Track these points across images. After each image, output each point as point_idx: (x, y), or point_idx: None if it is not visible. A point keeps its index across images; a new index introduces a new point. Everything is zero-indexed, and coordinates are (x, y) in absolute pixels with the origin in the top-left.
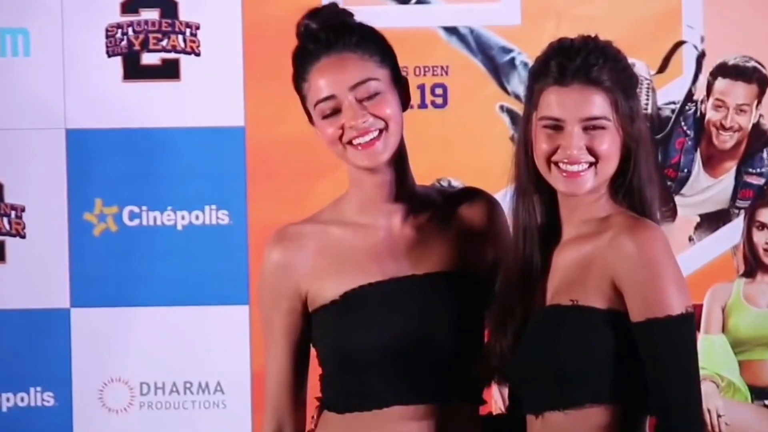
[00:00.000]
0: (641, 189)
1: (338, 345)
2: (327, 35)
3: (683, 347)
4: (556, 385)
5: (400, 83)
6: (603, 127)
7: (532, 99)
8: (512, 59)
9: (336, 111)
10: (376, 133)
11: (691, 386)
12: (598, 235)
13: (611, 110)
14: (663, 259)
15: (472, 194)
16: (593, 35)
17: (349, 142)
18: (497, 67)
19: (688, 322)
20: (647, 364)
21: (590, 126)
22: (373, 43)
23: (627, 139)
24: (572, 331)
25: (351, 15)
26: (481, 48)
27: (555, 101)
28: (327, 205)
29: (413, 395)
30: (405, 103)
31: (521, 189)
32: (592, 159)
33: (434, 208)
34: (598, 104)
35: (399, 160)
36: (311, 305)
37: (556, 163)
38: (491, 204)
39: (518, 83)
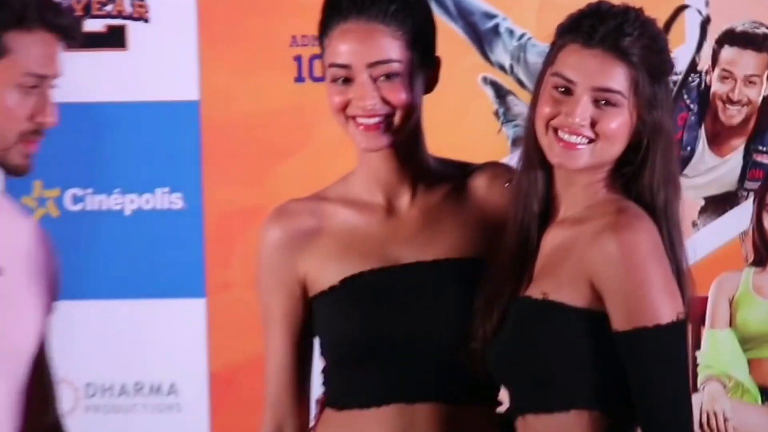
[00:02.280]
0: (654, 188)
1: (336, 336)
2: None
3: (674, 358)
4: (530, 386)
5: (429, 63)
6: (615, 104)
7: (551, 55)
8: (496, 26)
9: (348, 80)
10: (381, 118)
11: (682, 399)
12: (582, 223)
13: (630, 88)
14: (650, 262)
15: (496, 170)
16: (638, 7)
17: (353, 117)
18: (479, 34)
19: (680, 330)
20: (633, 375)
21: (602, 99)
22: (410, 16)
23: (641, 126)
24: (541, 330)
25: None
26: (461, 13)
27: (573, 61)
28: (335, 180)
29: (416, 393)
30: (431, 84)
31: (528, 155)
32: (592, 135)
33: (451, 186)
34: (617, 77)
35: (411, 136)
36: (310, 290)
37: (555, 130)
38: None
39: (503, 52)
